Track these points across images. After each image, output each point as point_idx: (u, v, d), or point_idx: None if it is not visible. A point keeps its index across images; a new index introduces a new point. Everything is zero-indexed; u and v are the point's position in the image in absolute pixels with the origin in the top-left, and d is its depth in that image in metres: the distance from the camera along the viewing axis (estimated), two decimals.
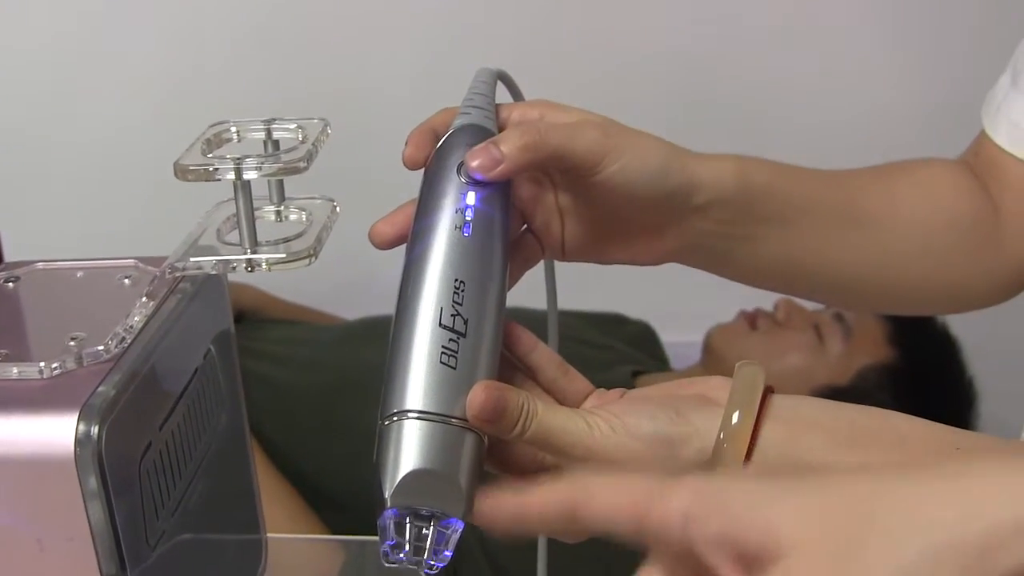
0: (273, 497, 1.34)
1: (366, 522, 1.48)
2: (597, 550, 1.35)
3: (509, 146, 0.62)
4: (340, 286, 1.70)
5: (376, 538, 0.81)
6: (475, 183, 0.62)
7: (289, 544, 0.95)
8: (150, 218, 1.62)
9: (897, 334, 1.51)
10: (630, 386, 1.55)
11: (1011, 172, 0.82)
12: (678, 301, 1.77)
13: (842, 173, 0.81)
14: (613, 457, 0.58)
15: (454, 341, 0.59)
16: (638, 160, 0.66)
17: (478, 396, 0.57)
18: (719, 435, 0.58)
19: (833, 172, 0.80)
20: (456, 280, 0.60)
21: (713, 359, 1.56)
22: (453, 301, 0.59)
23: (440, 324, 0.59)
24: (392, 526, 0.57)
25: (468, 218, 0.61)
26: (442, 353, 0.58)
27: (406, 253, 0.62)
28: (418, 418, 0.57)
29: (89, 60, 1.91)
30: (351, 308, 1.83)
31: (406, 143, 0.65)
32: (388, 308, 1.82)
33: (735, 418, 0.58)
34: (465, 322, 0.59)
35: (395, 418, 0.57)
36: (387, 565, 0.59)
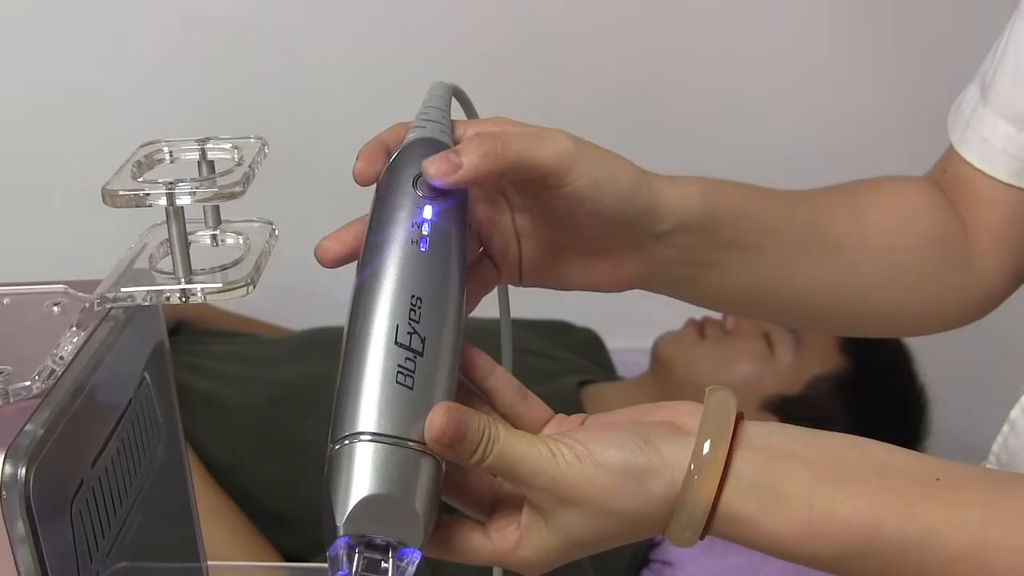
0: (215, 515, 1.32)
1: (309, 539, 1.46)
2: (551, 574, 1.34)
3: (469, 154, 0.60)
4: (283, 295, 1.68)
5: (319, 565, 0.78)
6: (432, 197, 0.60)
7: (230, 572, 0.93)
8: (80, 233, 1.59)
9: (848, 343, 1.51)
10: (576, 396, 1.53)
11: (981, 189, 0.81)
12: (625, 307, 1.76)
13: (808, 194, 0.79)
14: (578, 489, 0.56)
15: (411, 360, 0.56)
16: (609, 175, 0.64)
17: (438, 418, 0.55)
18: (690, 466, 0.56)
19: (799, 193, 0.79)
20: (412, 297, 0.57)
21: (661, 368, 1.55)
22: (409, 319, 0.57)
23: (396, 342, 0.56)
24: (344, 557, 0.54)
25: (425, 233, 0.59)
26: (398, 372, 0.55)
27: (358, 269, 0.60)
28: (372, 440, 0.54)
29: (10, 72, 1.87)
30: (294, 318, 1.80)
31: (357, 158, 0.63)
32: (332, 318, 1.81)
33: (707, 448, 0.56)
34: (422, 341, 0.56)
35: (347, 441, 0.54)
36: None
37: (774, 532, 0.57)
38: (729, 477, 0.56)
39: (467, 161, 0.59)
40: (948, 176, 0.83)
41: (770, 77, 1.89)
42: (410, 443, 0.55)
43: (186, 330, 1.69)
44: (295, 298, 1.72)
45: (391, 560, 0.55)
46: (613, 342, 1.77)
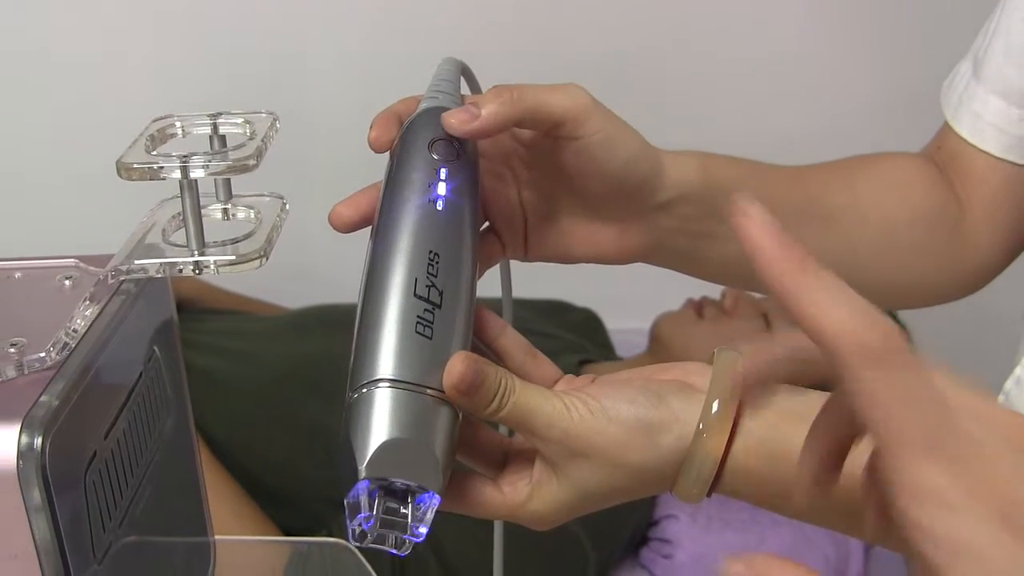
0: (215, 493, 1.32)
1: (308, 516, 1.47)
2: (550, 552, 1.35)
3: (487, 104, 0.61)
4: (279, 275, 1.68)
5: (324, 539, 0.79)
6: (447, 160, 0.62)
7: (236, 545, 0.93)
8: (87, 212, 1.59)
9: None
10: (576, 375, 1.54)
11: (974, 164, 0.82)
12: (623, 288, 1.76)
13: (804, 169, 0.80)
14: (591, 441, 0.57)
15: (429, 312, 0.57)
16: (621, 136, 0.66)
17: (457, 366, 0.56)
18: (698, 425, 0.58)
19: (794, 168, 0.80)
20: (430, 252, 0.59)
21: (660, 347, 1.56)
22: (428, 272, 0.58)
23: (415, 294, 0.57)
24: (365, 500, 0.55)
25: (441, 193, 0.60)
26: (417, 323, 0.57)
27: (375, 228, 0.61)
28: (392, 387, 0.55)
29: (19, 54, 1.87)
30: (290, 296, 1.81)
31: (371, 126, 0.64)
32: (327, 297, 1.80)
33: (715, 407, 0.58)
34: (440, 293, 0.58)
35: (367, 388, 0.56)
36: (355, 544, 0.57)
37: (779, 488, 0.58)
38: (737, 434, 0.58)
39: (486, 110, 0.61)
40: (943, 152, 0.85)
41: (764, 65, 1.90)
42: (429, 391, 0.56)
43: (185, 309, 1.70)
44: (291, 277, 1.72)
45: (410, 505, 0.56)
46: (611, 322, 1.78)
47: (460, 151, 0.63)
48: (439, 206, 0.60)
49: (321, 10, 1.87)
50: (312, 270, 1.80)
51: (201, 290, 1.75)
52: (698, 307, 1.57)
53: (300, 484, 1.40)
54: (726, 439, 0.57)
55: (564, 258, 0.72)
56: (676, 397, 0.59)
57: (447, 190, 0.61)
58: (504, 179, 0.69)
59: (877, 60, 1.87)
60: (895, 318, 1.58)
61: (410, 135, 0.63)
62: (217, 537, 0.79)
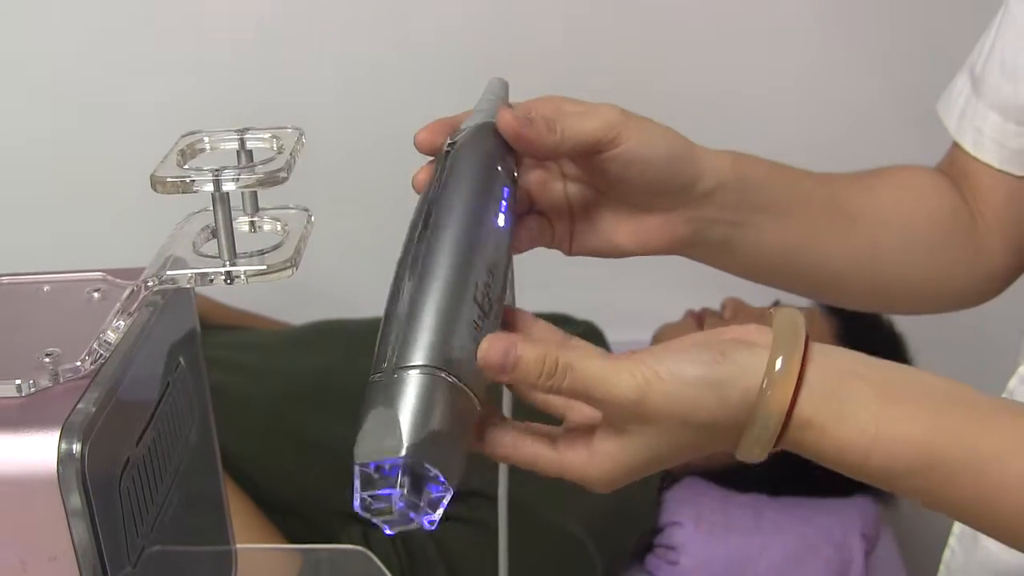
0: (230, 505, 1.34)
1: (314, 527, 1.47)
2: (557, 559, 1.35)
3: (540, 129, 0.67)
4: (280, 290, 1.70)
5: (344, 546, 0.79)
6: (510, 182, 0.66)
7: (251, 554, 0.95)
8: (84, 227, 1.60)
9: (843, 331, 1.53)
10: None
11: (980, 176, 0.86)
12: (623, 301, 1.78)
13: (825, 173, 0.84)
14: (660, 406, 0.58)
15: (482, 318, 0.60)
16: (649, 138, 0.70)
17: (485, 348, 0.58)
18: (763, 382, 0.58)
19: (816, 172, 0.83)
20: (490, 262, 0.62)
21: None
22: (486, 283, 0.61)
23: (475, 299, 0.60)
24: (400, 476, 0.56)
25: (503, 211, 0.65)
26: (473, 325, 0.60)
27: (440, 223, 0.63)
28: (455, 382, 0.58)
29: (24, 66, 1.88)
30: (290, 312, 1.82)
31: (424, 128, 0.68)
32: (329, 312, 1.79)
33: (779, 364, 0.58)
34: (490, 303, 0.61)
35: (431, 371, 0.58)
36: (364, 514, 0.58)
37: (842, 442, 0.58)
38: (802, 388, 0.58)
39: (536, 132, 0.67)
40: (954, 167, 0.88)
41: (765, 75, 1.91)
42: (473, 394, 0.59)
43: None
44: (291, 293, 1.74)
45: (423, 492, 0.57)
46: (612, 335, 1.79)
47: (516, 175, 0.68)
48: (500, 223, 0.64)
49: (320, 26, 1.88)
50: (311, 286, 1.82)
51: (206, 306, 1.76)
52: (698, 318, 1.58)
53: (307, 496, 1.41)
54: (791, 394, 0.57)
55: (610, 251, 0.74)
56: (739, 352, 0.59)
57: (506, 209, 0.65)
58: (551, 170, 0.73)
59: (879, 70, 1.89)
60: (895, 333, 1.60)
61: (479, 145, 0.67)
62: (238, 546, 0.80)
